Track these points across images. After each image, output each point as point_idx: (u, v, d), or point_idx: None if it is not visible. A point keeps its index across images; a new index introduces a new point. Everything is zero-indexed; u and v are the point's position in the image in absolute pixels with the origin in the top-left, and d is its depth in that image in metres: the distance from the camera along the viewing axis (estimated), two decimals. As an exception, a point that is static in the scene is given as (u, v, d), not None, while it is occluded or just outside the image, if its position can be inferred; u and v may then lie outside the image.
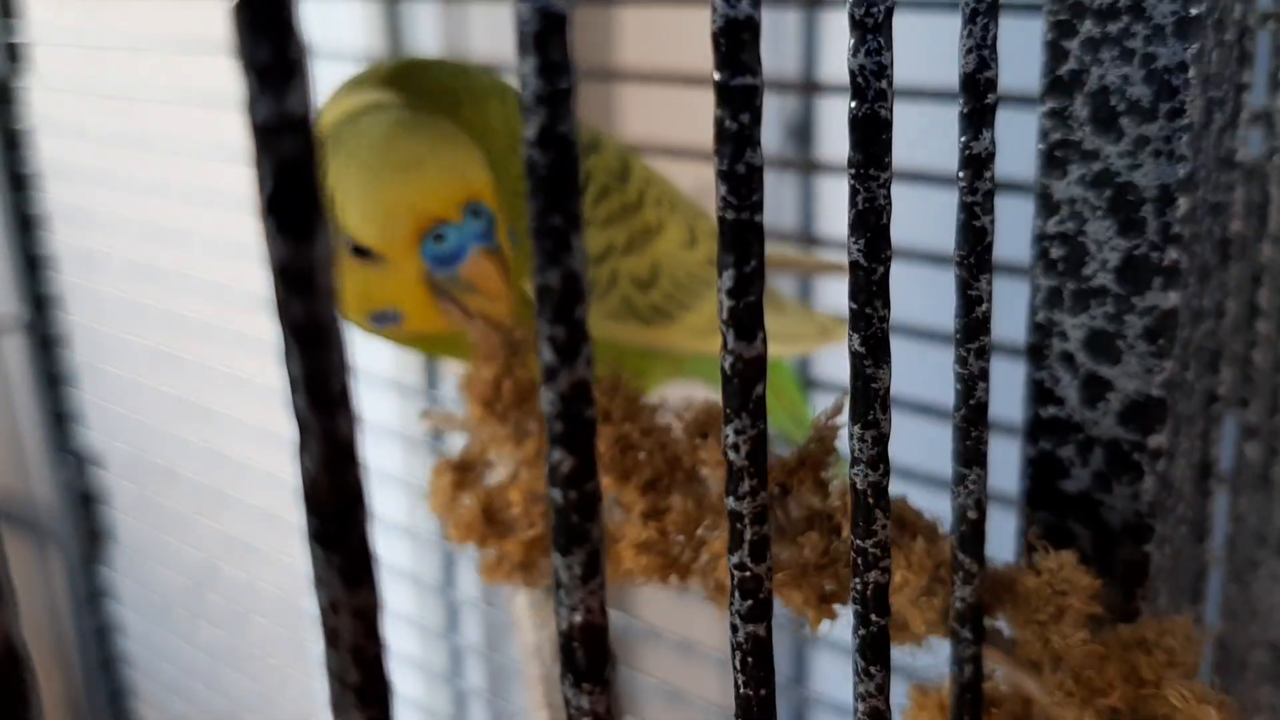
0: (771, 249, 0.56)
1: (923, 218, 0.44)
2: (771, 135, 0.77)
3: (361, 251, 0.37)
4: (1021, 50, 0.34)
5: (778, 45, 0.76)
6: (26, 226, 0.95)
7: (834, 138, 0.74)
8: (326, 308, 0.14)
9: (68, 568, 1.04)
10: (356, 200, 0.36)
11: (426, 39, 0.76)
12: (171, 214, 0.85)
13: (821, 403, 0.63)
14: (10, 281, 0.96)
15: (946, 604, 0.31)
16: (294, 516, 0.83)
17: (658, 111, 0.71)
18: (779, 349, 0.51)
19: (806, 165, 0.76)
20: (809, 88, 0.75)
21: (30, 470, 1.07)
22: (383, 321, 0.39)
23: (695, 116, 0.44)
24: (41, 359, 0.98)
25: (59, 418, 1.00)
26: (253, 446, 0.84)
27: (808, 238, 0.71)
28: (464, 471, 0.35)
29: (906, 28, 0.29)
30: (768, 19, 0.76)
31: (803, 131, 0.77)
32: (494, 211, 0.37)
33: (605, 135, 0.47)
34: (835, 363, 0.59)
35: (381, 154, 0.37)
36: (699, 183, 0.51)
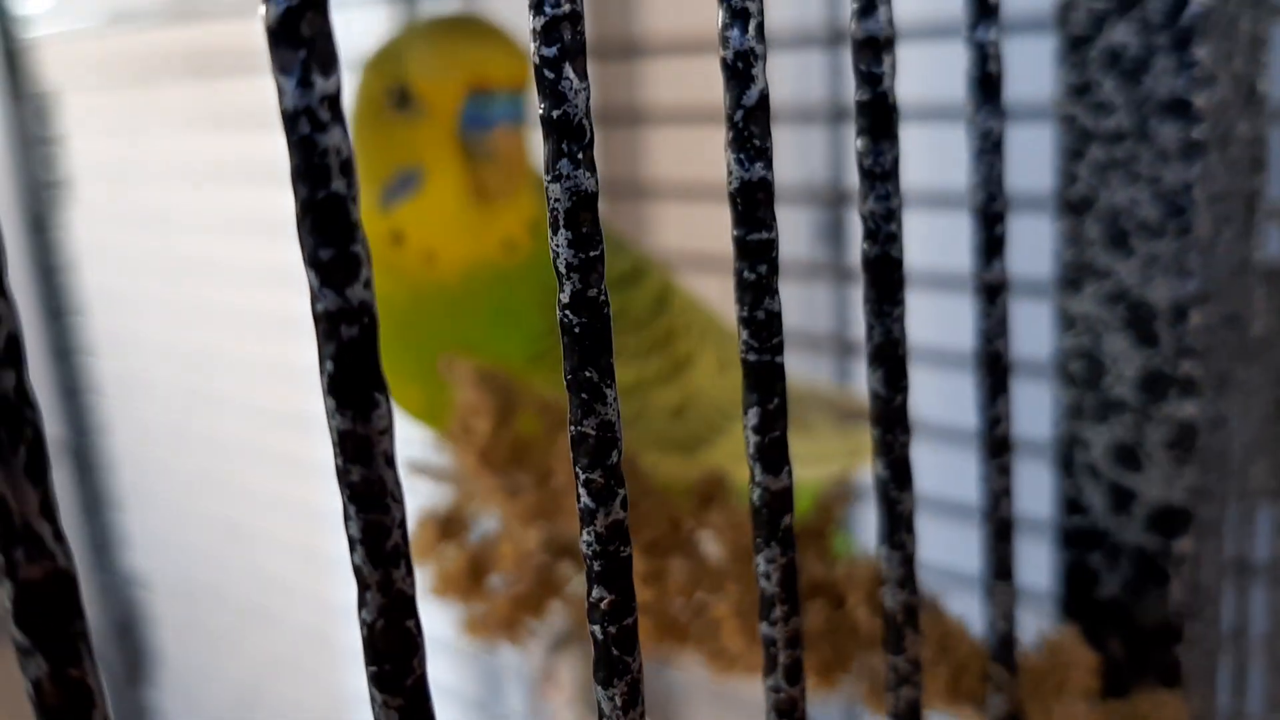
0: (809, 385, 0.57)
1: (945, 319, 0.45)
2: (803, 239, 0.79)
3: (405, 101, 0.40)
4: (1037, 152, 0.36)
5: (805, 154, 0.78)
6: (69, 355, 0.97)
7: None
8: (383, 472, 0.16)
9: (114, 691, 1.05)
10: (420, 49, 0.40)
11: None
12: (213, 337, 0.87)
13: (862, 511, 0.63)
14: (54, 409, 0.98)
15: (949, 676, 0.31)
16: (339, 636, 0.84)
17: (688, 224, 0.73)
18: (809, 471, 0.52)
19: (840, 273, 0.78)
20: (837, 197, 0.77)
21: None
22: (400, 189, 0.42)
23: (724, 228, 0.45)
24: (86, 485, 0.99)
25: (104, 543, 1.01)
26: (297, 566, 0.85)
27: (841, 341, 0.73)
28: (449, 525, 0.36)
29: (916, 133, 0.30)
30: (795, 129, 0.78)
31: (833, 235, 0.79)
32: (523, 110, 0.41)
33: (649, 263, 0.49)
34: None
35: (459, 20, 0.42)
36: (726, 293, 0.52)
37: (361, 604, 0.16)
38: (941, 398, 0.47)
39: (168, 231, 0.92)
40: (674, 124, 0.73)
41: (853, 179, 0.76)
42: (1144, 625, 0.34)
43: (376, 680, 0.17)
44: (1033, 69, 0.40)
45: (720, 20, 0.19)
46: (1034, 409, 0.37)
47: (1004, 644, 0.29)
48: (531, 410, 0.37)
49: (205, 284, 0.88)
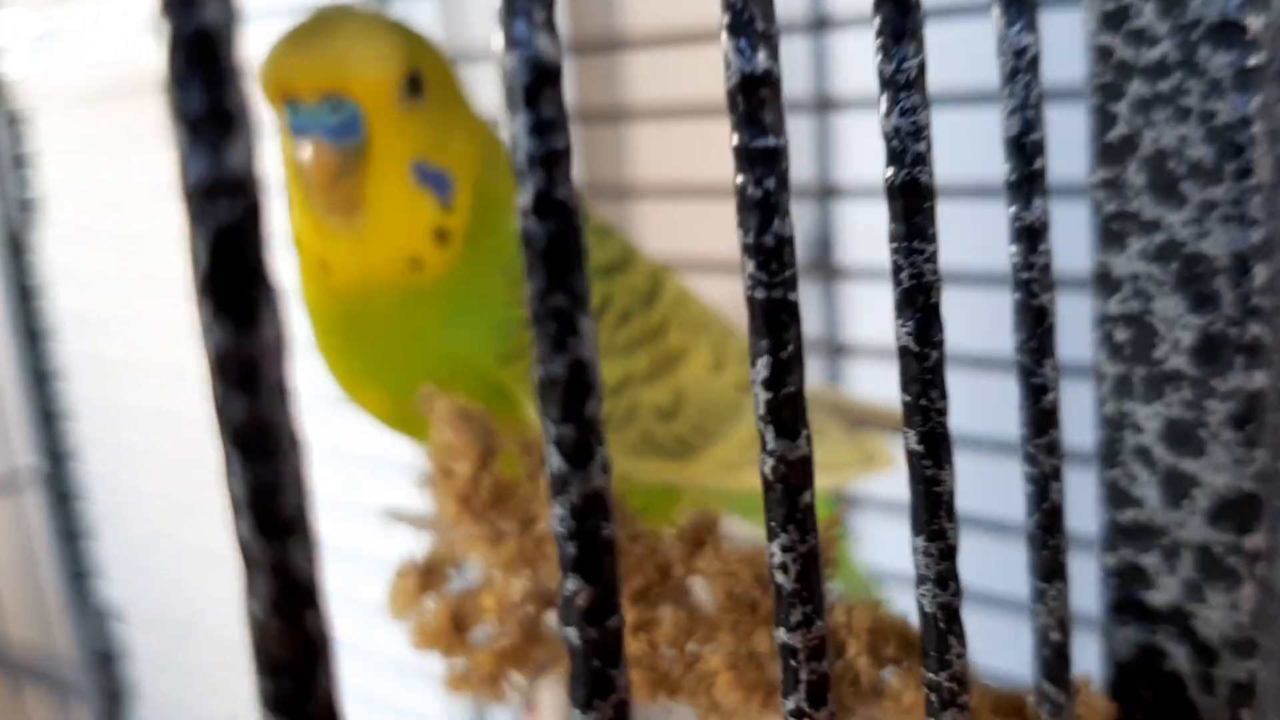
0: (810, 388, 0.53)
1: (970, 320, 0.42)
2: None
3: (269, 104, 0.38)
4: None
5: (792, 154, 0.74)
6: (43, 380, 0.94)
7: (853, 244, 0.72)
8: (275, 407, 0.12)
9: (91, 726, 1.01)
10: (273, 49, 0.37)
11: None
12: (190, 360, 0.83)
13: (862, 523, 0.60)
14: (28, 435, 0.95)
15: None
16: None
17: (673, 224, 0.70)
18: (824, 480, 0.48)
19: (829, 272, 0.74)
20: (825, 194, 0.73)
21: (52, 626, 1.05)
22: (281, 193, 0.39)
23: (714, 230, 0.41)
24: (61, 513, 0.96)
25: (79, 573, 0.97)
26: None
27: (831, 343, 0.69)
28: (430, 574, 0.32)
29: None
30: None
31: (822, 239, 0.75)
32: (361, 112, 0.36)
33: (637, 250, 0.45)
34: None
35: (315, 18, 0.37)
36: (715, 296, 0.49)
37: (249, 592, 0.12)
38: (977, 408, 0.43)
39: (142, 252, 0.89)
40: (657, 121, 0.70)
41: (841, 175, 0.73)
42: (1211, 635, 0.29)
43: (272, 701, 0.12)
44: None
45: None
46: (1076, 417, 0.34)
47: (1058, 656, 0.25)
48: (513, 451, 0.34)
49: (181, 305, 0.84)
